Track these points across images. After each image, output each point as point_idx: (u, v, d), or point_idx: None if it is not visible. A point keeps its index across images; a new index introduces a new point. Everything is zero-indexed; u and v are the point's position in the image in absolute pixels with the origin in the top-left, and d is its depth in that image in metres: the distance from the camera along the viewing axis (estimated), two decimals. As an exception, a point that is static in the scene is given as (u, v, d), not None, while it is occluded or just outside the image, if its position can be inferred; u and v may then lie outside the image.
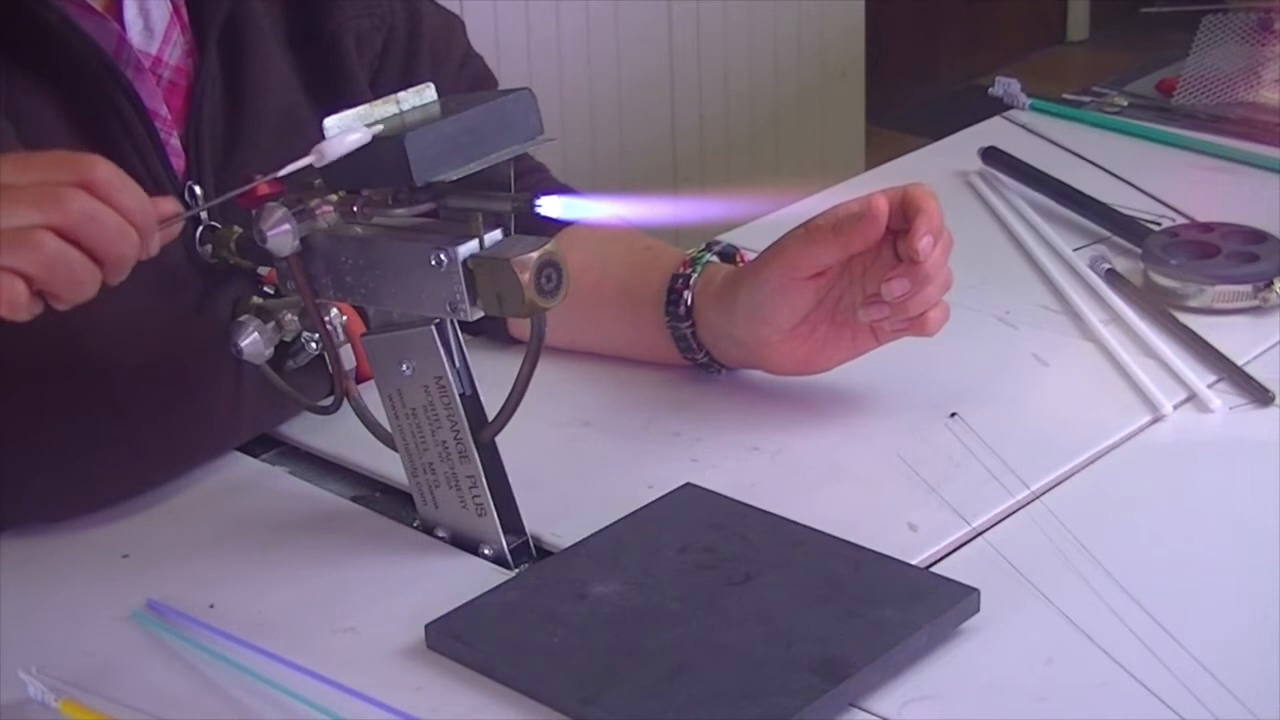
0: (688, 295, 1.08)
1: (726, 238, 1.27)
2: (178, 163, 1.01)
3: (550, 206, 0.85)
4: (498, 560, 0.93)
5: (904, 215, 1.00)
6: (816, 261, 1.02)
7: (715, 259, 1.10)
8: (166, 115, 1.00)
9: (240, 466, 1.05)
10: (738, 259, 1.12)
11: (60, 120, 0.96)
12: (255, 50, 1.04)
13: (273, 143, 1.03)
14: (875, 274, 1.02)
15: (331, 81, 1.08)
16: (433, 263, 0.86)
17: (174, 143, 1.01)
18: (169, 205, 0.83)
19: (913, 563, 0.90)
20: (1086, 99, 1.68)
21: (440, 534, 0.96)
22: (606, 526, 0.93)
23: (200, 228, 1.00)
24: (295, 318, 0.99)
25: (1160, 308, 1.19)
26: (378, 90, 1.05)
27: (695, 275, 1.08)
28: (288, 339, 1.00)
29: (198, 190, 1.01)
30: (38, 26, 0.95)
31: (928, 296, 1.01)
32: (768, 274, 1.03)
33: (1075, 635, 0.84)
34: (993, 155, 1.47)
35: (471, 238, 0.86)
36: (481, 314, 0.87)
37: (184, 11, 1.02)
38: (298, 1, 1.08)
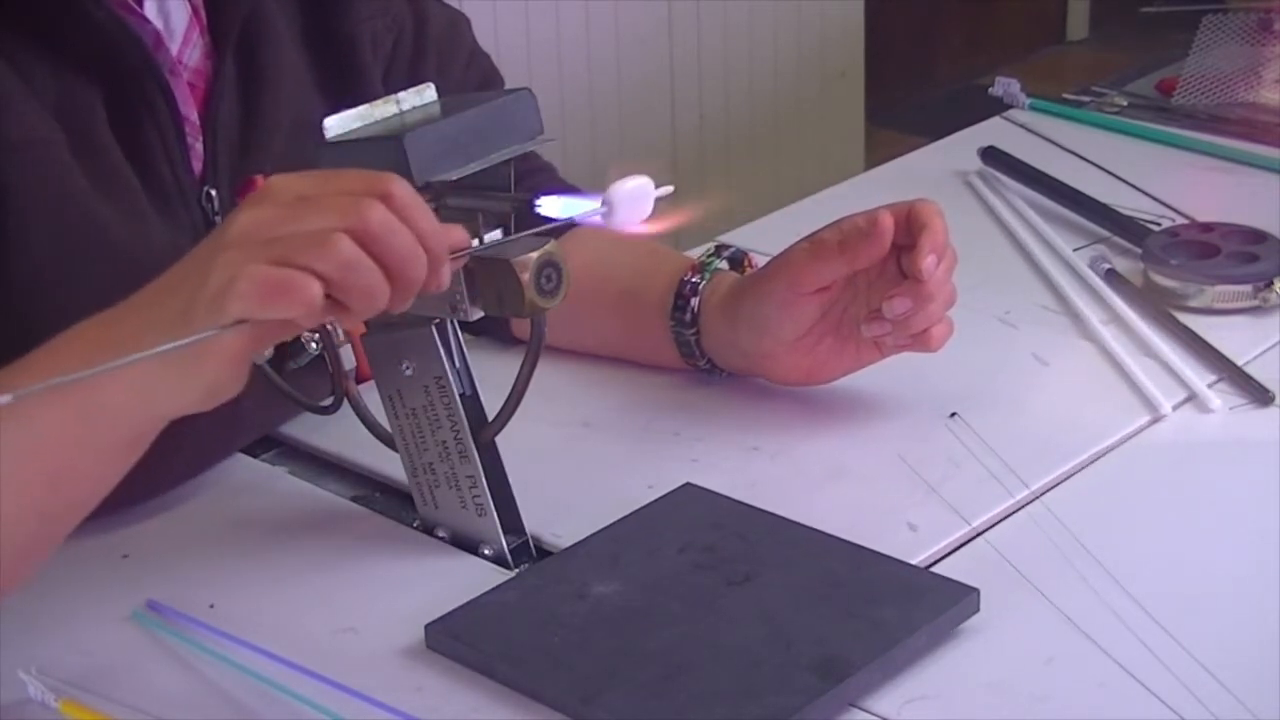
0: (695, 302, 1.08)
1: (727, 238, 1.27)
2: (197, 166, 1.01)
3: (550, 206, 0.85)
4: (498, 560, 0.93)
5: (909, 231, 1.00)
6: (821, 277, 1.02)
7: (724, 265, 1.10)
8: (195, 120, 1.00)
9: (240, 466, 1.05)
10: (745, 264, 1.11)
11: (102, 120, 0.96)
12: (271, 53, 1.04)
13: (285, 146, 1.03)
14: (879, 288, 1.02)
15: (346, 83, 1.08)
16: (433, 263, 0.86)
17: (197, 147, 1.01)
18: (459, 236, 0.82)
19: (913, 563, 0.90)
20: (1086, 99, 1.68)
21: (440, 534, 0.96)
22: (606, 526, 0.93)
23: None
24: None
25: (1160, 308, 1.19)
26: (388, 91, 1.05)
27: (704, 282, 1.08)
28: (288, 339, 1.00)
29: (214, 194, 1.01)
30: (86, 21, 0.95)
31: (931, 314, 1.01)
32: (772, 287, 1.03)
33: (1075, 635, 0.84)
34: (992, 155, 1.47)
35: (472, 238, 0.86)
36: (481, 314, 0.87)
37: (203, 14, 1.02)
38: (312, 3, 1.08)
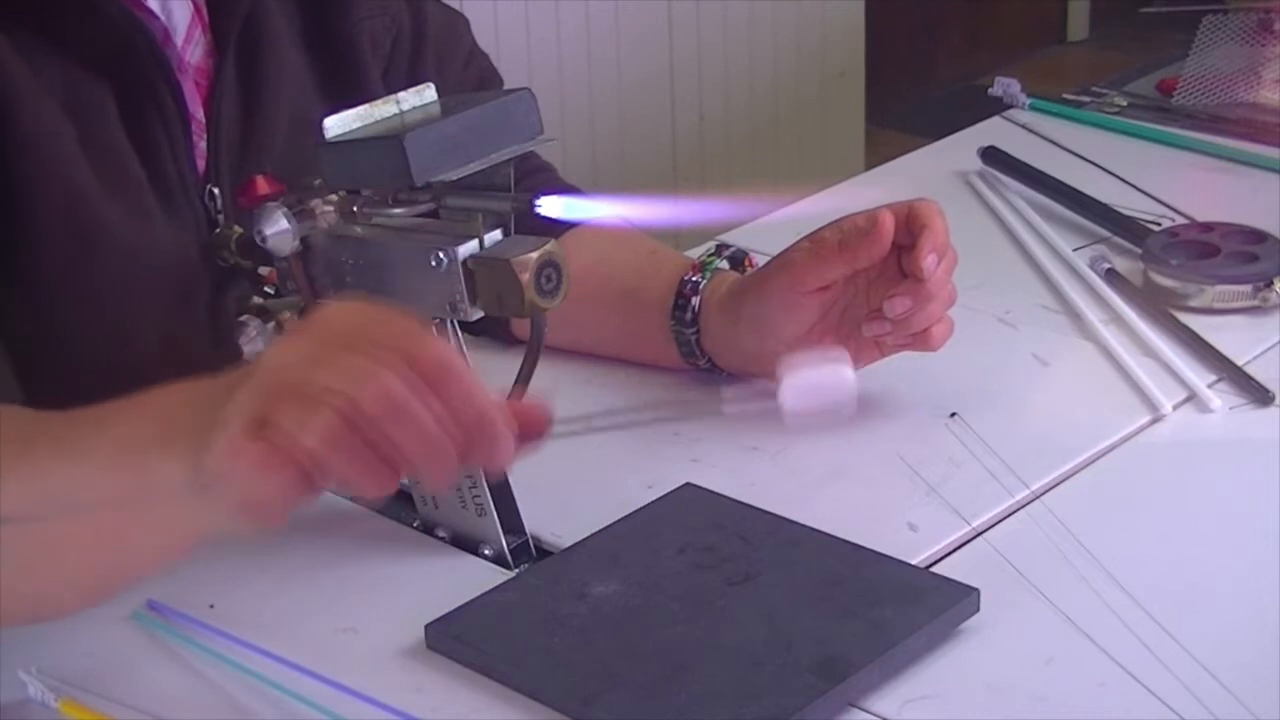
0: (695, 301, 1.08)
1: (728, 238, 1.27)
2: (200, 165, 1.01)
3: (550, 206, 0.85)
4: (498, 560, 0.93)
5: (909, 230, 1.00)
6: (821, 277, 1.02)
7: (724, 265, 1.10)
8: (201, 118, 1.01)
9: (240, 466, 1.05)
10: (746, 264, 1.11)
11: (112, 115, 0.97)
12: (271, 52, 1.04)
13: (285, 145, 1.03)
14: (880, 287, 1.03)
15: (346, 82, 1.08)
16: (433, 263, 0.86)
17: (201, 145, 1.01)
18: (533, 415, 0.73)
19: (913, 563, 0.90)
20: (1086, 99, 1.68)
21: (440, 534, 0.96)
22: (606, 526, 0.93)
23: (217, 230, 1.01)
24: (295, 318, 0.99)
25: (1160, 308, 1.19)
26: (387, 91, 1.05)
27: (704, 282, 1.08)
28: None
29: (216, 193, 1.01)
30: (98, 15, 0.95)
31: (931, 313, 1.01)
32: (772, 287, 1.03)
33: (1075, 635, 0.84)
34: (993, 155, 1.47)
35: (471, 238, 0.86)
36: (481, 314, 0.87)
37: (205, 12, 1.02)
38: (312, 2, 1.08)
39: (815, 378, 0.71)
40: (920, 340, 1.03)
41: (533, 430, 0.74)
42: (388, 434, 0.68)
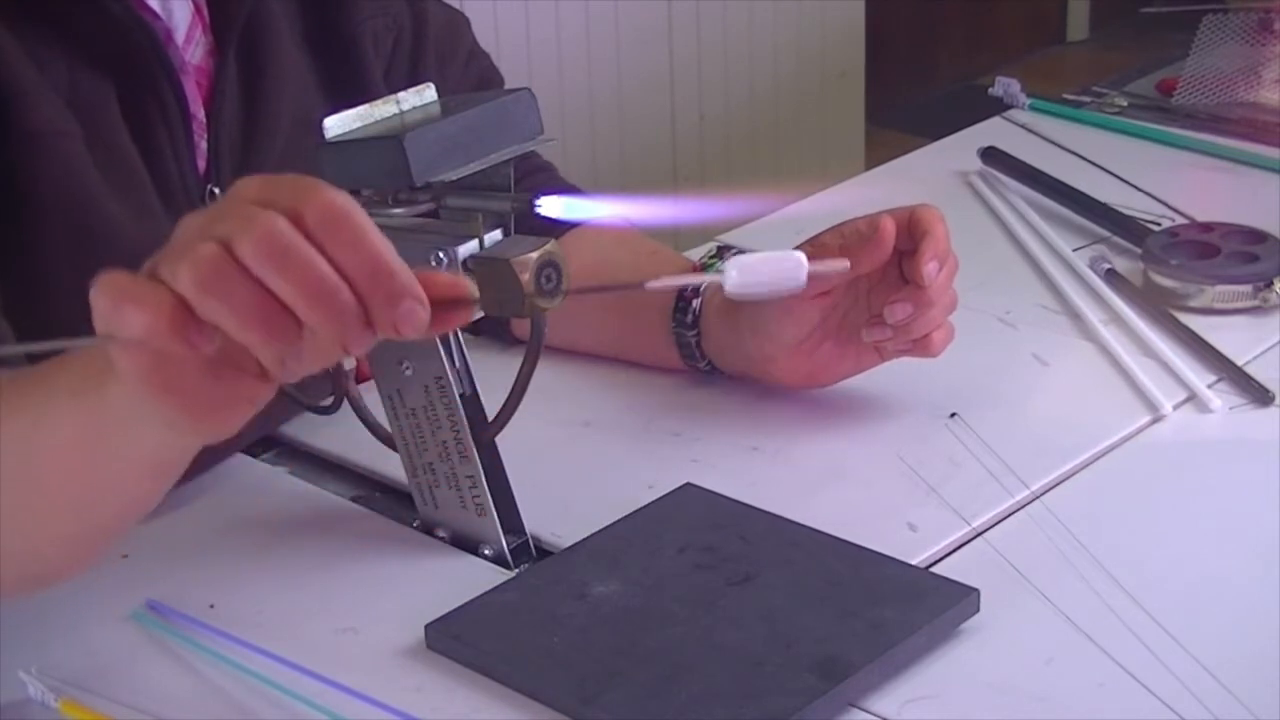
0: (696, 304, 1.08)
1: (728, 238, 1.27)
2: (201, 164, 1.01)
3: (550, 206, 0.85)
4: (498, 560, 0.93)
5: (911, 236, 1.00)
6: (822, 282, 1.02)
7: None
8: (203, 118, 1.01)
9: (240, 466, 1.05)
10: None
11: (115, 115, 0.97)
12: (273, 52, 1.04)
13: (286, 145, 1.03)
14: (880, 293, 1.02)
15: (348, 83, 1.08)
16: (432, 263, 0.86)
17: (202, 145, 1.01)
18: (450, 285, 0.69)
19: (913, 563, 0.90)
20: (1086, 99, 1.68)
21: (440, 534, 0.96)
22: (606, 526, 0.93)
23: None
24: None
25: (1160, 308, 1.19)
26: (389, 91, 1.05)
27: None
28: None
29: (217, 193, 1.01)
30: (102, 14, 0.95)
31: (931, 319, 1.01)
32: None
33: (1075, 635, 0.84)
34: (993, 155, 1.47)
35: (471, 238, 0.86)
36: (481, 314, 0.87)
37: (205, 12, 1.02)
38: (313, 2, 1.08)
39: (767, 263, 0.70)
40: (921, 346, 1.03)
41: (448, 298, 0.69)
42: (270, 274, 0.64)
